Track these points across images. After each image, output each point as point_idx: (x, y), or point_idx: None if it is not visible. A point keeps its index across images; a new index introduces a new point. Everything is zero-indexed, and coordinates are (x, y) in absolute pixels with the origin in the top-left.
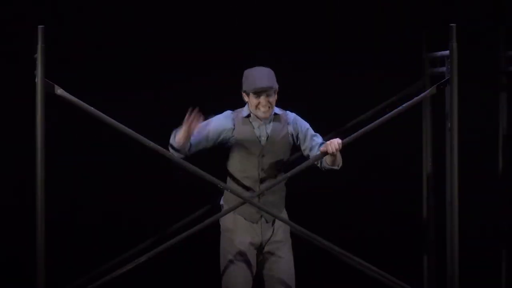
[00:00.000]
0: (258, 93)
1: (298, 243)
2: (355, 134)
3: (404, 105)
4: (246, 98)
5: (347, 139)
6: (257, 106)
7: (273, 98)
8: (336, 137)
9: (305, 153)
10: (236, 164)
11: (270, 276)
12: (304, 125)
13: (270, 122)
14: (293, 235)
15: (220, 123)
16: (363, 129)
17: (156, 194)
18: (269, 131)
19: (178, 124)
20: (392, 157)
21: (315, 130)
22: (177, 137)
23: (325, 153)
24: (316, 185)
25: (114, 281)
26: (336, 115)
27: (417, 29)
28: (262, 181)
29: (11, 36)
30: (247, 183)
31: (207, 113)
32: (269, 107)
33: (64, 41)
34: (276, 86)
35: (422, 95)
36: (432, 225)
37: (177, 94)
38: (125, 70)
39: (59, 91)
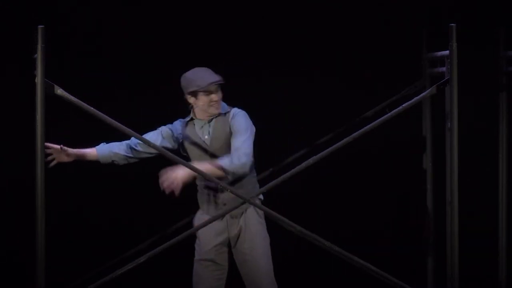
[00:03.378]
0: (210, 90)
1: (298, 242)
2: (355, 134)
3: (404, 105)
4: (192, 100)
5: (347, 139)
6: (209, 103)
7: (221, 94)
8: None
9: None
10: None
11: (247, 271)
12: (237, 123)
13: (211, 121)
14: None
15: (173, 128)
16: (363, 129)
17: (156, 194)
18: (211, 130)
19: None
20: (392, 157)
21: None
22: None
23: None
24: (316, 185)
25: (114, 281)
26: (336, 115)
27: (417, 29)
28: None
29: (11, 36)
30: (205, 181)
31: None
32: (219, 103)
33: (64, 41)
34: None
35: (422, 95)
36: (432, 225)
37: (177, 95)
38: (125, 70)
39: (59, 91)
